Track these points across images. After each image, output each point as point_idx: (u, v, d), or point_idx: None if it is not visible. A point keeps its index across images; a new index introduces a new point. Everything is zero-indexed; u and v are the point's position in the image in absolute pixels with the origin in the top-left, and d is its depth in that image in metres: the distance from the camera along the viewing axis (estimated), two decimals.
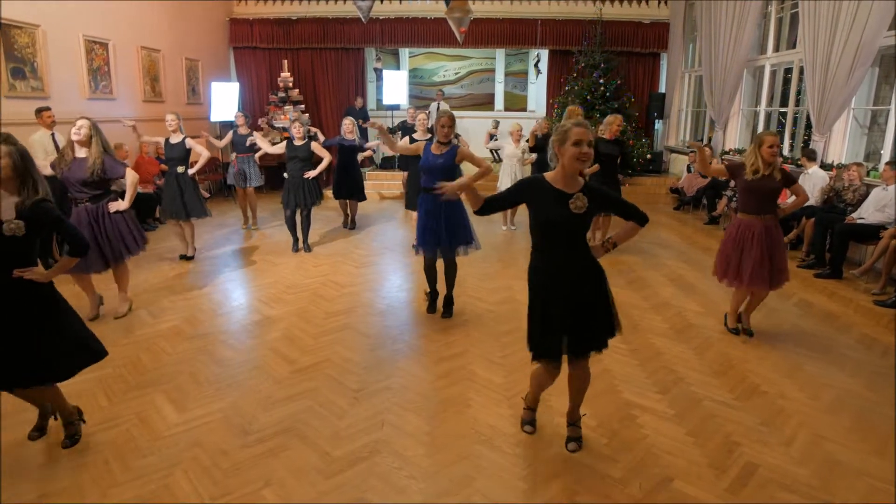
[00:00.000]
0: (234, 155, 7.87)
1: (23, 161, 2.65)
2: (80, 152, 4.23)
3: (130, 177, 4.40)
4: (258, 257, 6.58)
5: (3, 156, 2.59)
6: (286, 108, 10.78)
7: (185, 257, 6.39)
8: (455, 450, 2.91)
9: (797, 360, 4.00)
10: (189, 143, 6.02)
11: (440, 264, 4.65)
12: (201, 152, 6.00)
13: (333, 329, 4.48)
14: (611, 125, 6.34)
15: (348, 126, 7.56)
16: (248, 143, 7.57)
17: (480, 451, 2.90)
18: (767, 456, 2.88)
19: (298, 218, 6.73)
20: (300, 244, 6.84)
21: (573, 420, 3.01)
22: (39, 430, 3.01)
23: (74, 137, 4.17)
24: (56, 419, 3.00)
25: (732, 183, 8.19)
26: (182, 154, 6.05)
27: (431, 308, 4.82)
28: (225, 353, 4.03)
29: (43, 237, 2.76)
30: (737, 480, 2.69)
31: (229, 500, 2.53)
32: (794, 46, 8.30)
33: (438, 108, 11.85)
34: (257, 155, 7.69)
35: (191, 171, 6.15)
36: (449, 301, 4.76)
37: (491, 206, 2.78)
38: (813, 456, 2.89)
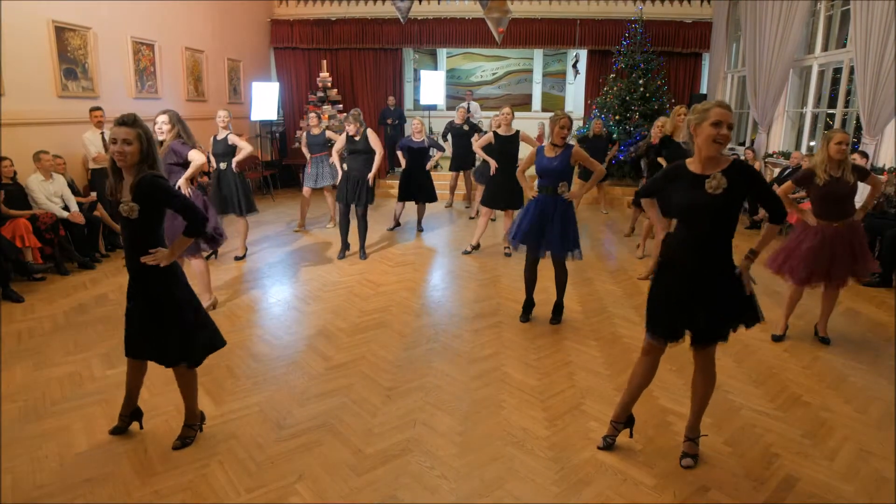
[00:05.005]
0: (309, 156, 7.81)
1: (149, 145, 2.60)
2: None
3: (195, 157, 4.33)
4: (296, 255, 6.69)
5: (132, 140, 2.55)
6: (325, 107, 10.92)
7: (237, 258, 6.40)
8: (487, 451, 2.90)
9: (842, 371, 3.86)
10: (232, 139, 6.05)
11: (544, 268, 4.61)
12: (244, 147, 6.00)
13: (368, 327, 4.52)
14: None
15: (417, 126, 7.34)
16: (325, 140, 7.59)
17: (513, 454, 2.88)
18: (809, 469, 2.79)
19: (353, 221, 6.50)
20: (350, 251, 6.61)
21: (693, 435, 2.83)
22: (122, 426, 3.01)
23: (161, 138, 4.30)
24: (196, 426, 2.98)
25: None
26: (225, 150, 6.10)
27: (525, 316, 4.71)
28: (261, 349, 4.11)
29: (159, 213, 2.69)
30: (775, 493, 2.62)
31: (264, 493, 2.57)
32: (843, 45, 8.02)
33: (469, 107, 11.80)
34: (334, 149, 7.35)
35: (234, 161, 6.06)
36: (559, 307, 4.69)
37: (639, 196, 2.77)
38: (858, 472, 2.78)
